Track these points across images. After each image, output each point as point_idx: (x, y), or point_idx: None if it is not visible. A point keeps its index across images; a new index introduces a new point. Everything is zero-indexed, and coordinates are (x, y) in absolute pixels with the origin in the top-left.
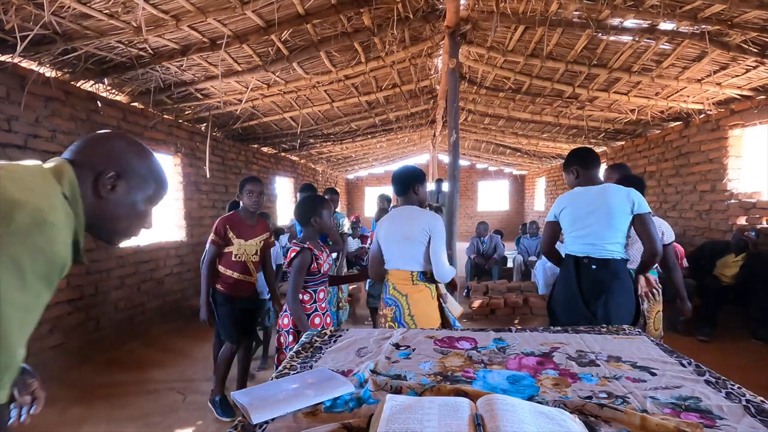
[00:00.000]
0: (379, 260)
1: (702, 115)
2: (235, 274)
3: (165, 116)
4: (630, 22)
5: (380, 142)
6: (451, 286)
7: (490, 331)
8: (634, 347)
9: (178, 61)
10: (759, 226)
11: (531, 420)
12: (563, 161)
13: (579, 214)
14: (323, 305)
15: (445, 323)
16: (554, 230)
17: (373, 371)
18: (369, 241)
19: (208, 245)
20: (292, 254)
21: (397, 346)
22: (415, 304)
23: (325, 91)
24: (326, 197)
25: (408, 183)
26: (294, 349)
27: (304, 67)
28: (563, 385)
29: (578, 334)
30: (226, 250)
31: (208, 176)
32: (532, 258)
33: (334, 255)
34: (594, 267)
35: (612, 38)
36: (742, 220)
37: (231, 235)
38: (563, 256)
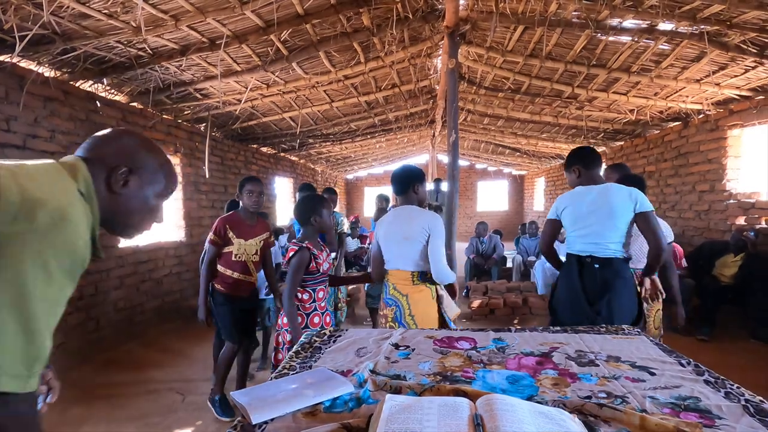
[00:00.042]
0: (379, 260)
1: (701, 116)
2: (235, 274)
3: (164, 116)
4: (629, 23)
5: (379, 142)
6: (452, 291)
7: (489, 331)
8: (634, 347)
9: (177, 61)
10: (758, 226)
11: (530, 420)
12: (563, 161)
13: (581, 214)
14: (323, 304)
15: (445, 324)
16: (554, 228)
17: (373, 371)
18: (368, 241)
19: (207, 245)
20: (291, 253)
21: (396, 346)
22: (416, 305)
23: (325, 91)
24: (326, 197)
25: (407, 182)
26: (293, 349)
27: (304, 67)
28: (562, 385)
29: (577, 334)
30: (226, 250)
31: (207, 176)
32: (532, 258)
33: (333, 255)
34: (597, 266)
35: (611, 38)
36: (740, 220)
37: (231, 235)
38: (565, 255)
